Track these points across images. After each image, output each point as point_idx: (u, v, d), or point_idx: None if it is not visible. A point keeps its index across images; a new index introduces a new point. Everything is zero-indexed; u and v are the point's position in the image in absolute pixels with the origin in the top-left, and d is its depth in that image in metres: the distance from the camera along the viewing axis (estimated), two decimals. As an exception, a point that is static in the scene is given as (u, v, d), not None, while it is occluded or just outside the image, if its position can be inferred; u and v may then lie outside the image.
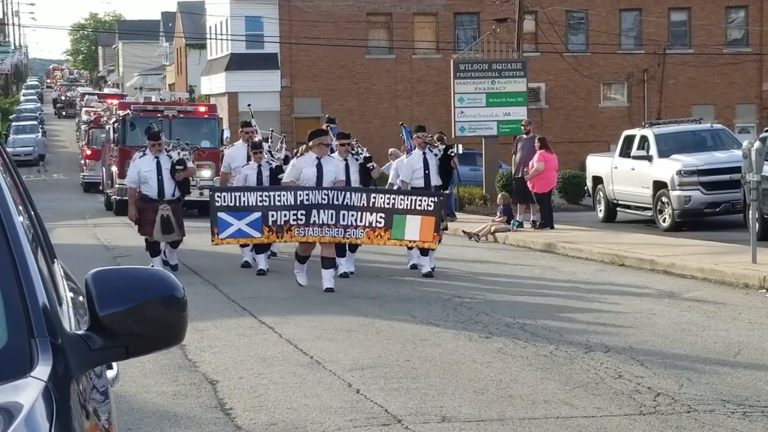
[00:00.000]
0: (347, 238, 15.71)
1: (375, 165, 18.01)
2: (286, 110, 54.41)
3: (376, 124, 51.67)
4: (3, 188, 3.05)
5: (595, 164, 29.50)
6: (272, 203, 15.51)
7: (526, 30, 44.97)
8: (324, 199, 15.36)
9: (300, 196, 15.41)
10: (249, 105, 22.50)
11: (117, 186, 32.97)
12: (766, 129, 26.06)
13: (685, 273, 17.02)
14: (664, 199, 24.96)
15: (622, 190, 27.18)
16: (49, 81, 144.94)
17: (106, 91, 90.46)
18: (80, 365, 2.79)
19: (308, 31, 52.64)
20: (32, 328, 2.70)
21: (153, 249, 17.85)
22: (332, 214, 15.35)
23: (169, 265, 17.66)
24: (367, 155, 18.13)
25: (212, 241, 16.19)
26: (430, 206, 15.74)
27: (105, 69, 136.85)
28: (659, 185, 25.12)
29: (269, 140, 20.51)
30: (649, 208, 25.78)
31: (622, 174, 26.87)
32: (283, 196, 15.53)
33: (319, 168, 15.58)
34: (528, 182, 24.91)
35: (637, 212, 26.88)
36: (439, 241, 17.30)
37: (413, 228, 15.59)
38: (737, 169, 22.21)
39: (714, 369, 9.85)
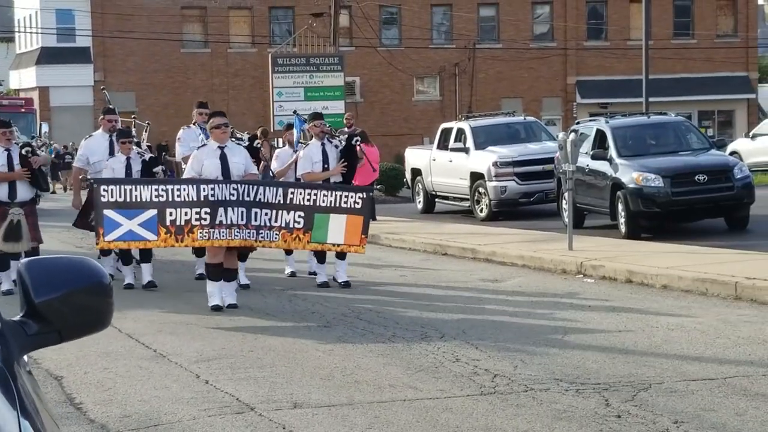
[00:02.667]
0: (260, 241, 13.38)
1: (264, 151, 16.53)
2: (100, 104, 53.15)
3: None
4: None
5: (414, 157, 30.07)
6: (170, 198, 12.89)
7: (341, 24, 45.36)
8: (233, 195, 12.93)
9: (204, 190, 12.88)
10: (103, 89, 20.04)
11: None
12: (576, 121, 27.05)
13: (506, 260, 17.60)
14: (481, 189, 25.65)
15: (440, 182, 27.79)
16: None
17: None
18: (19, 349, 2.91)
19: (122, 25, 51.95)
20: None
21: (1, 263, 14.98)
22: (242, 212, 12.95)
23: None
24: (248, 139, 16.52)
25: (96, 243, 13.70)
26: (358, 203, 13.74)
27: None
28: (476, 176, 25.80)
29: (133, 129, 17.78)
30: (467, 199, 26.44)
31: (441, 166, 27.47)
32: (183, 190, 12.92)
33: (224, 159, 13.20)
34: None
35: (455, 203, 27.54)
36: None
37: (337, 229, 13.56)
38: (550, 160, 23.07)
39: (544, 350, 10.30)
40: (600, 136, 21.32)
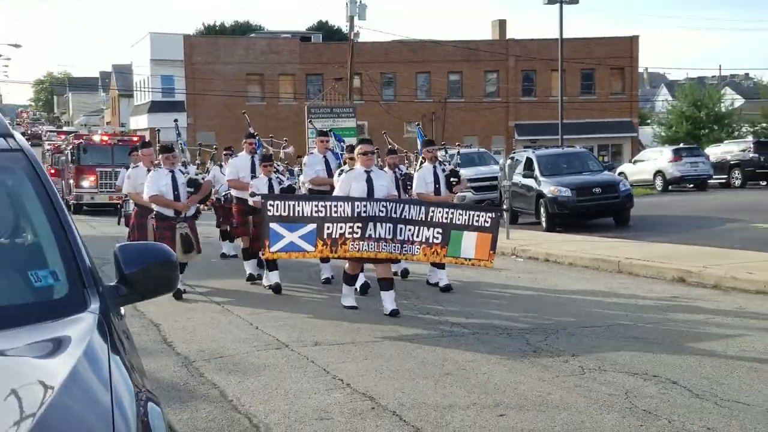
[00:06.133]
0: (403, 254, 10.57)
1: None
2: (191, 139, 53.39)
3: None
4: (50, 181, 3.12)
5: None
6: (328, 214, 10.14)
7: (355, 85, 45.31)
8: (382, 212, 10.26)
9: (357, 207, 10.18)
10: (243, 112, 16.07)
11: (74, 193, 32.16)
12: (513, 152, 27.01)
13: (464, 246, 17.53)
14: (448, 198, 25.54)
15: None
16: (18, 120, 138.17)
17: (64, 129, 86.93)
18: (114, 305, 2.93)
19: (206, 85, 51.94)
20: (83, 281, 2.82)
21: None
22: (390, 227, 10.26)
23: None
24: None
25: (262, 254, 10.81)
26: (488, 222, 10.89)
27: (59, 111, 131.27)
28: (445, 189, 25.69)
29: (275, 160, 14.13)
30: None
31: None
32: (340, 207, 10.17)
33: (369, 182, 10.49)
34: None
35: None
36: None
37: (469, 245, 10.82)
38: (495, 178, 23.04)
39: (487, 307, 10.30)
40: (529, 162, 21.29)
